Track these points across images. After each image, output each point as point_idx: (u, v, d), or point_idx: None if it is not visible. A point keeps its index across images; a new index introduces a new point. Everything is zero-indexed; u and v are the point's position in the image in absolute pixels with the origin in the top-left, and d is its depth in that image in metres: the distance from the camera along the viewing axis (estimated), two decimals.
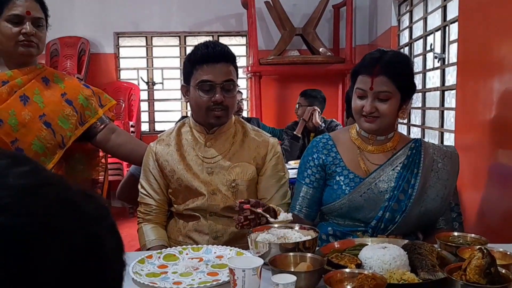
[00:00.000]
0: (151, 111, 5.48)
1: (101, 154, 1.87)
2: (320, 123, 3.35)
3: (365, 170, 1.43)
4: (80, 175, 1.83)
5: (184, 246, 1.27)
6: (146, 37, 5.38)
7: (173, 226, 1.63)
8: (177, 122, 2.87)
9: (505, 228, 1.82)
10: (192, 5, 5.18)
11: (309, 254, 1.06)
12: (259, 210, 1.24)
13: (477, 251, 0.84)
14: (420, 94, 3.33)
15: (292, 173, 2.89)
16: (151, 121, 5.50)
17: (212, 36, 5.37)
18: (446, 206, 1.42)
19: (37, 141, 1.58)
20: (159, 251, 1.24)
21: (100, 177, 1.86)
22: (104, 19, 5.19)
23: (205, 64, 1.49)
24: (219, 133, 1.58)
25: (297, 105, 3.53)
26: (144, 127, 5.44)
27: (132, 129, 4.87)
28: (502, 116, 1.91)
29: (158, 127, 5.50)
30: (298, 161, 3.30)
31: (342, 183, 1.43)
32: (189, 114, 1.66)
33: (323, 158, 1.47)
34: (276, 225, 1.23)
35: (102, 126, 1.75)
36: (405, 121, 3.74)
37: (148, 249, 1.49)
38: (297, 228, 1.22)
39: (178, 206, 1.59)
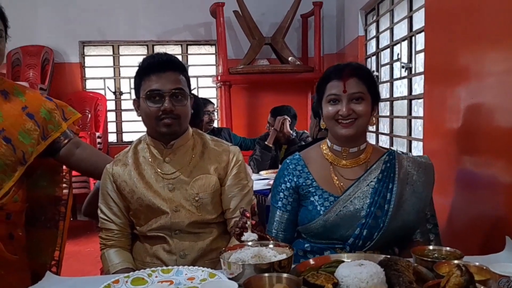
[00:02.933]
0: (119, 121, 5.36)
1: (65, 169, 1.78)
2: (291, 132, 3.36)
3: (339, 187, 1.41)
4: (42, 192, 1.74)
5: (153, 269, 1.20)
6: (112, 46, 5.27)
7: (139, 247, 1.56)
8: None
9: (474, 235, 1.84)
10: (160, 14, 5.12)
11: (284, 275, 1.03)
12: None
13: (455, 268, 0.83)
14: (388, 102, 3.38)
15: (263, 184, 2.88)
16: (119, 132, 5.37)
17: (181, 45, 5.31)
18: (422, 218, 1.42)
19: None
20: (126, 274, 1.18)
21: (64, 194, 1.77)
22: (68, 27, 5.06)
23: (152, 74, 1.45)
24: (177, 147, 1.52)
25: (267, 125, 3.54)
26: (112, 137, 5.31)
27: (99, 140, 4.74)
28: (468, 123, 1.94)
29: (126, 137, 5.38)
30: (270, 171, 3.33)
31: (316, 203, 1.40)
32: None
33: (295, 180, 1.44)
34: (250, 243, 1.20)
35: (66, 141, 1.67)
36: (374, 128, 3.79)
37: (114, 274, 1.42)
38: (271, 245, 1.18)
39: (141, 228, 1.53)
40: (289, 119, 3.37)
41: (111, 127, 5.30)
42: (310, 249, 1.42)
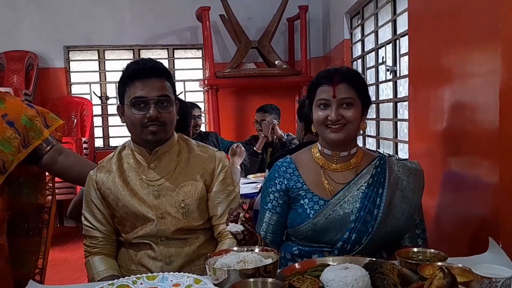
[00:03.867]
0: (105, 126, 5.31)
1: (48, 176, 1.76)
2: (283, 134, 3.36)
3: (330, 191, 1.40)
4: (25, 200, 1.71)
5: (138, 276, 1.19)
6: (98, 50, 5.22)
7: (123, 254, 1.54)
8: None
9: (459, 236, 1.86)
10: (146, 18, 5.10)
11: (270, 280, 1.02)
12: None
13: (438, 270, 0.84)
14: (374, 105, 3.41)
15: (251, 187, 2.88)
16: (105, 137, 5.33)
17: (167, 49, 5.29)
18: (411, 224, 1.42)
19: None
20: (110, 282, 1.16)
21: (47, 201, 1.74)
22: (53, 32, 5.01)
23: (137, 80, 1.43)
24: (162, 153, 1.50)
25: (255, 123, 3.52)
26: (98, 142, 5.26)
27: (85, 145, 4.69)
28: (453, 124, 1.96)
29: (112, 142, 5.33)
30: (258, 174, 3.32)
31: (306, 207, 1.40)
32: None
33: (285, 182, 1.44)
34: (235, 248, 1.19)
35: (48, 148, 1.65)
36: (361, 132, 3.82)
37: (98, 281, 1.41)
38: (257, 250, 1.17)
39: (127, 235, 1.50)
40: (277, 121, 3.37)
41: (98, 132, 5.25)
42: (298, 253, 1.41)
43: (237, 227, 1.17)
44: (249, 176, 3.19)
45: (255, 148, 3.35)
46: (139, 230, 1.48)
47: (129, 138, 1.57)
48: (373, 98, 3.47)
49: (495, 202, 1.57)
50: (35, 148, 1.62)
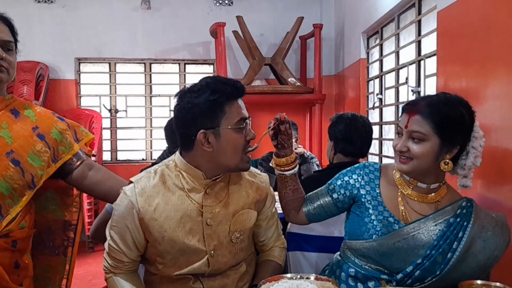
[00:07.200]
0: (113, 140, 5.25)
1: (75, 192, 1.69)
2: (305, 151, 3.31)
3: (403, 215, 1.33)
4: (51, 216, 1.64)
5: None
6: (109, 63, 5.20)
7: (153, 284, 1.42)
8: (160, 156, 2.70)
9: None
10: (158, 32, 5.09)
11: None
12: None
13: None
14: (393, 126, 3.37)
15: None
16: (113, 150, 5.26)
17: (179, 64, 5.27)
18: (483, 276, 1.27)
19: (3, 182, 1.38)
20: None
21: (73, 219, 1.67)
22: (64, 44, 4.99)
23: (236, 99, 1.32)
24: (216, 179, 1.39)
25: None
26: (106, 156, 5.20)
27: (93, 158, 4.61)
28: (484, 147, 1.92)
29: (120, 156, 5.27)
30: (276, 193, 3.26)
31: (374, 218, 1.33)
32: (176, 157, 1.41)
33: (362, 184, 1.40)
34: (288, 275, 1.13)
35: (78, 163, 1.59)
36: (377, 151, 3.76)
37: None
38: (312, 278, 1.11)
39: (165, 269, 1.37)
40: (298, 137, 3.32)
41: (106, 145, 5.19)
42: (354, 275, 1.35)
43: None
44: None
45: (271, 164, 3.29)
46: (184, 266, 1.35)
47: (171, 158, 1.43)
48: (392, 118, 3.44)
49: None
50: (65, 163, 1.56)
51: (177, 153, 1.40)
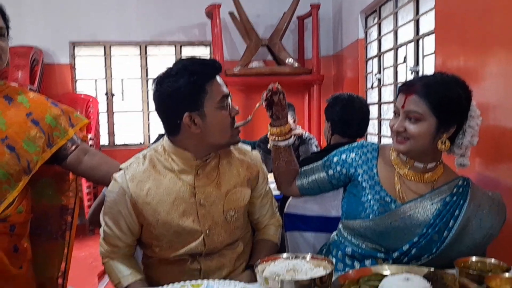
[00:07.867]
0: (111, 123, 5.23)
1: (71, 177, 1.69)
2: (303, 131, 3.32)
3: (400, 194, 1.33)
4: (48, 201, 1.64)
5: (182, 284, 1.13)
6: (104, 46, 5.14)
7: (152, 269, 1.42)
8: (155, 141, 2.69)
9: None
10: (153, 15, 5.02)
11: None
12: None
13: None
14: (392, 105, 3.35)
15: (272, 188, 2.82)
16: (111, 134, 5.24)
17: (175, 46, 5.22)
18: (479, 253, 1.25)
19: None
20: None
21: (70, 203, 1.67)
22: (58, 27, 4.92)
23: (215, 77, 1.32)
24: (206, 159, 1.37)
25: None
26: (104, 140, 5.18)
27: (90, 142, 4.60)
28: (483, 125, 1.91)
29: (118, 140, 5.26)
30: (271, 174, 3.27)
31: (370, 197, 1.33)
32: (164, 141, 1.40)
33: (359, 162, 1.40)
34: (284, 255, 1.13)
35: (73, 148, 1.58)
36: (376, 131, 3.75)
37: (126, 287, 1.33)
38: (308, 258, 1.11)
39: (161, 252, 1.36)
40: (295, 117, 3.31)
41: (103, 129, 5.17)
42: (351, 254, 1.36)
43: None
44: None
45: (269, 146, 3.28)
46: (180, 247, 1.35)
47: (159, 142, 1.42)
48: (391, 98, 3.43)
49: None
50: (60, 148, 1.56)
51: (165, 137, 1.40)
